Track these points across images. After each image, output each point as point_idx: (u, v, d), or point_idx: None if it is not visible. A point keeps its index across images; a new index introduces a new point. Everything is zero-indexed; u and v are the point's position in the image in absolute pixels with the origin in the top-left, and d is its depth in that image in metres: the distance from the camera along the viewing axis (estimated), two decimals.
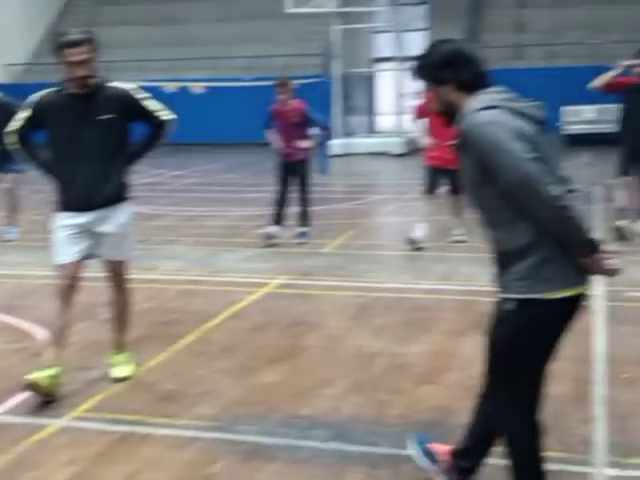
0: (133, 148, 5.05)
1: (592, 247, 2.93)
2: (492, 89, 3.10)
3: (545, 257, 2.97)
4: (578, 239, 2.91)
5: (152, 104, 5.04)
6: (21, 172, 9.58)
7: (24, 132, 4.94)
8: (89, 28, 4.95)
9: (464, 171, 3.10)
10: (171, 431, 4.35)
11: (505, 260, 3.04)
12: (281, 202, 9.48)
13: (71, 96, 4.81)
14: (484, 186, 3.01)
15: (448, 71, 3.10)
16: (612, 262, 2.98)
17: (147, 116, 5.00)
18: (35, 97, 4.93)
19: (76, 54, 4.65)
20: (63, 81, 4.85)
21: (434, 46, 3.20)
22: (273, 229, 9.45)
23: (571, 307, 3.08)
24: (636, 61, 8.89)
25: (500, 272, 3.07)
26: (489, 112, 2.96)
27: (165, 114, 5.07)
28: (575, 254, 2.95)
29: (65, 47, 4.67)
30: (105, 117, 4.79)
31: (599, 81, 8.94)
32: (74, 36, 4.69)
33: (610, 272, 3.01)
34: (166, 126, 5.07)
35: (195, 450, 4.12)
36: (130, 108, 4.90)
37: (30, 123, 4.91)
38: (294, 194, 9.57)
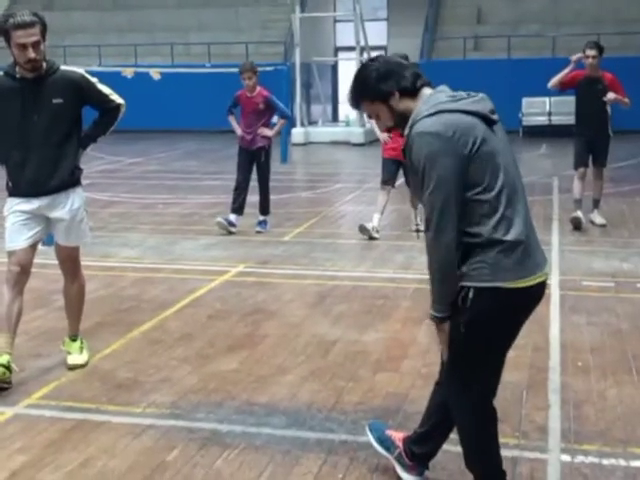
0: (85, 132, 4.97)
1: (435, 312, 3.14)
2: (436, 90, 3.11)
3: (506, 247, 2.98)
4: (435, 293, 3.11)
5: (105, 88, 4.95)
6: None
7: None
8: (39, 12, 4.77)
9: (410, 173, 3.12)
10: (127, 419, 4.31)
11: (466, 249, 3.05)
12: (241, 190, 9.42)
13: (21, 80, 4.68)
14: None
15: (389, 81, 3.08)
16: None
17: (101, 100, 4.92)
18: None
19: (26, 36, 4.50)
20: (11, 64, 4.71)
21: (361, 70, 3.17)
22: (232, 217, 9.39)
23: (530, 297, 3.10)
24: (581, 54, 9.05)
25: (461, 260, 3.08)
26: (432, 119, 2.96)
27: (117, 98, 5.00)
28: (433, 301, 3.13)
29: (14, 28, 4.50)
30: (57, 101, 4.68)
31: (554, 81, 9.11)
32: (24, 17, 4.53)
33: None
34: (121, 109, 5.00)
35: (151, 438, 4.08)
36: (84, 92, 4.80)
37: None
38: (254, 182, 9.52)
